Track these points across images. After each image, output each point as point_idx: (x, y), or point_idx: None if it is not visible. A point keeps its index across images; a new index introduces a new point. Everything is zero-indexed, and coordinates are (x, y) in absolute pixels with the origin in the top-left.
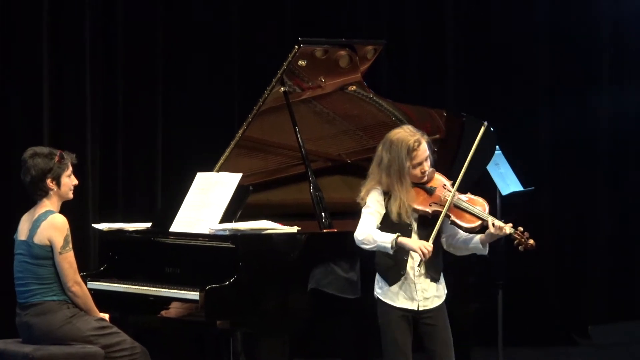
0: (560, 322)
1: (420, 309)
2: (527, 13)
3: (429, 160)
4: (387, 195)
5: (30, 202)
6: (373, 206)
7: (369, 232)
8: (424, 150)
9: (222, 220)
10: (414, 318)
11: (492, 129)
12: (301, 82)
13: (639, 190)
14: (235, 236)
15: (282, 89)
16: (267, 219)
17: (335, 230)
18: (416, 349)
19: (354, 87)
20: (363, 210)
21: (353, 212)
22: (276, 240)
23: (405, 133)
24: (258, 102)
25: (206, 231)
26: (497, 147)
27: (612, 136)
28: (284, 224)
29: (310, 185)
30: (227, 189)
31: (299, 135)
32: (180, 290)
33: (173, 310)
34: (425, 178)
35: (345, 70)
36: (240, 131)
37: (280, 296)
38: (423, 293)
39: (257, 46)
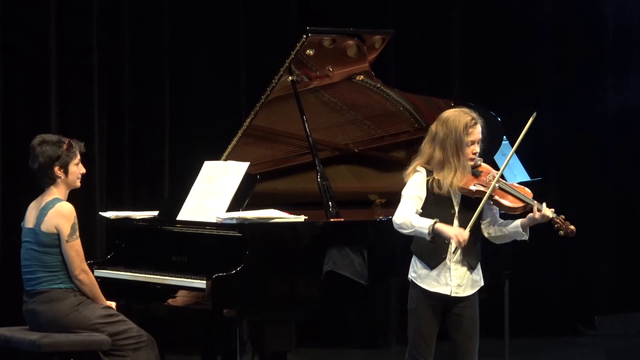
0: (566, 313)
1: (452, 295)
2: (532, 4)
3: (480, 144)
4: (431, 175)
5: (37, 189)
6: (413, 190)
7: (407, 217)
8: (479, 130)
9: (230, 209)
10: (445, 306)
11: (499, 119)
12: (309, 72)
13: None
14: (243, 225)
15: (290, 78)
16: (274, 208)
17: (342, 219)
18: (441, 336)
19: (361, 77)
20: (403, 193)
21: (360, 202)
22: (283, 229)
23: (462, 112)
24: (266, 91)
25: (213, 220)
26: (505, 137)
27: (617, 128)
28: (291, 213)
29: (317, 175)
30: (235, 178)
31: (306, 125)
32: (187, 278)
33: (180, 299)
34: (474, 163)
35: (353, 60)
36: (248, 120)
37: (286, 285)
38: (457, 280)
39: (264, 35)
